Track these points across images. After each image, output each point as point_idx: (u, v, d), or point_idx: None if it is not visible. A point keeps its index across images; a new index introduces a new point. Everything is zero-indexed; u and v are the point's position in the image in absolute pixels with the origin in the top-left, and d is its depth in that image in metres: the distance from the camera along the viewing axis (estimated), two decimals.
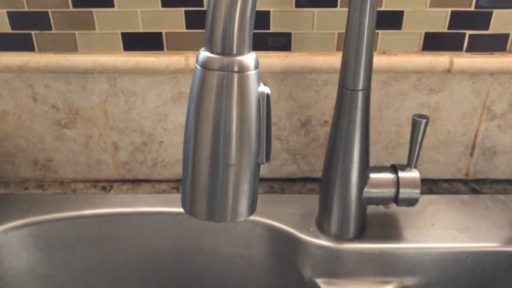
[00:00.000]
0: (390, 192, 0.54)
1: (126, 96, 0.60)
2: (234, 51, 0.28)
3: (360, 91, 0.48)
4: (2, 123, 0.62)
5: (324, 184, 0.55)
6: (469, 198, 0.62)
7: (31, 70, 0.58)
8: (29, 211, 0.60)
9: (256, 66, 0.29)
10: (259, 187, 0.62)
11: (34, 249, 0.60)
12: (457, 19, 0.55)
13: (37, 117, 0.61)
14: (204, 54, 0.28)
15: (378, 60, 0.56)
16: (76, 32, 0.57)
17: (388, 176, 0.54)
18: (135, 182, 0.65)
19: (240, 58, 0.28)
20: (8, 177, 0.66)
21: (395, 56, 0.57)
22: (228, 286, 0.63)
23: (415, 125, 0.52)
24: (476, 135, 0.62)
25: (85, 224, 0.61)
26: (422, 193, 0.63)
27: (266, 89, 0.30)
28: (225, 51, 0.28)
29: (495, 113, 0.60)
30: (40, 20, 0.56)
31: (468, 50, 0.57)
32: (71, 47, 0.57)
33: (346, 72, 0.48)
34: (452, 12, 0.55)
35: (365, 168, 0.53)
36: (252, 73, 0.29)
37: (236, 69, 0.28)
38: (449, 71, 0.57)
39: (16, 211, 0.60)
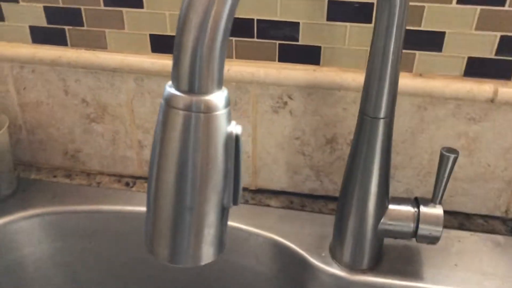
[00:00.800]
0: (408, 226, 0.50)
1: (152, 97, 0.59)
2: (202, 90, 0.26)
3: (381, 119, 0.45)
4: (36, 112, 0.63)
5: (340, 209, 0.52)
6: (505, 240, 0.57)
7: (63, 64, 0.59)
8: (53, 200, 0.62)
9: (227, 104, 0.27)
10: (276, 203, 0.60)
11: (54, 237, 0.62)
12: (507, 45, 0.50)
13: (67, 109, 0.62)
14: (169, 90, 0.27)
15: (414, 83, 0.52)
16: (106, 30, 0.57)
17: (408, 209, 0.50)
18: None
19: (208, 97, 0.26)
20: (41, 164, 0.68)
21: (433, 79, 0.52)
22: None
23: (442, 159, 0.48)
24: None
25: (104, 219, 0.62)
26: (451, 227, 0.59)
27: (236, 129, 0.28)
28: (192, 89, 0.26)
29: None
30: (73, 16, 0.57)
31: None
32: (101, 45, 0.58)
33: (368, 98, 0.45)
34: (502, 36, 0.50)
35: (384, 198, 0.50)
36: (220, 113, 0.27)
37: (202, 109, 0.26)
38: (492, 101, 0.51)
39: (41, 199, 0.62)
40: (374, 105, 0.44)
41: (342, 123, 0.57)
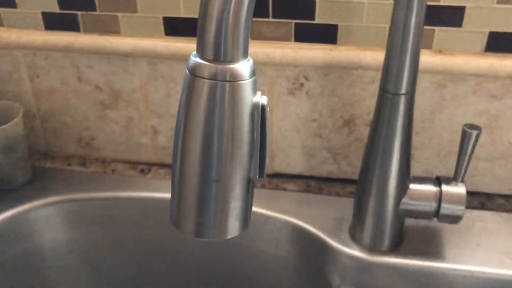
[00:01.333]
0: (430, 206, 0.49)
1: (166, 81, 0.59)
2: (227, 58, 0.25)
3: (402, 95, 0.44)
4: (49, 100, 0.63)
5: (359, 190, 0.51)
6: None
7: (76, 50, 0.58)
8: (68, 188, 0.62)
9: (252, 74, 0.27)
10: (294, 187, 0.60)
11: (72, 224, 0.62)
12: None
13: (81, 96, 0.62)
14: (194, 60, 0.26)
15: (433, 60, 0.51)
16: (119, 14, 0.56)
17: (430, 188, 0.49)
18: None
19: (233, 65, 0.26)
20: (55, 152, 0.68)
21: (453, 56, 0.51)
22: (256, 280, 0.62)
23: (465, 136, 0.47)
24: None
25: (120, 205, 0.61)
26: (473, 207, 0.58)
27: (262, 99, 0.27)
28: (217, 58, 0.25)
29: None
30: (85, 1, 0.56)
31: None
32: (114, 29, 0.57)
33: (388, 74, 0.44)
34: None
35: (404, 177, 0.49)
36: (246, 82, 0.26)
37: (228, 78, 0.25)
38: None
39: (57, 187, 0.62)
40: (395, 81, 0.43)
41: (360, 104, 0.56)
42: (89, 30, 0.58)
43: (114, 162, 0.66)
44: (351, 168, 0.60)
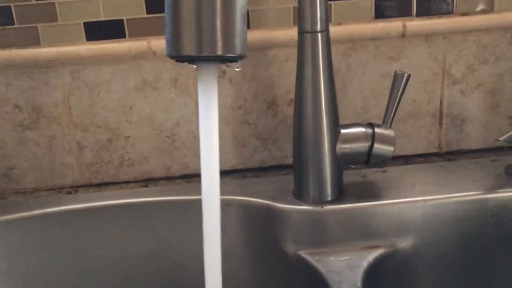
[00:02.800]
0: (364, 146, 0.53)
1: (90, 89, 0.59)
2: None
3: (319, 33, 0.49)
4: None
5: (296, 147, 0.53)
6: (446, 164, 0.61)
7: None
8: None
9: None
10: (230, 180, 0.60)
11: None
12: None
13: None
14: None
15: (335, 30, 0.58)
16: (39, 25, 0.58)
17: (361, 130, 0.53)
18: (102, 185, 0.62)
19: None
20: None
21: (350, 25, 0.59)
22: None
23: (396, 78, 0.52)
24: (441, 103, 0.62)
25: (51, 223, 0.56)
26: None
27: None
28: None
29: (456, 78, 0.62)
30: (2, 16, 0.57)
31: (418, 15, 0.60)
32: (34, 41, 0.58)
33: (304, 16, 0.49)
34: None
35: (335, 121, 0.52)
36: None
37: None
38: (403, 35, 0.59)
39: None
40: (311, 20, 0.49)
41: (279, 84, 0.60)
42: (7, 45, 0.58)
43: (37, 192, 0.62)
44: (282, 152, 0.63)
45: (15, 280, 0.55)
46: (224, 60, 0.34)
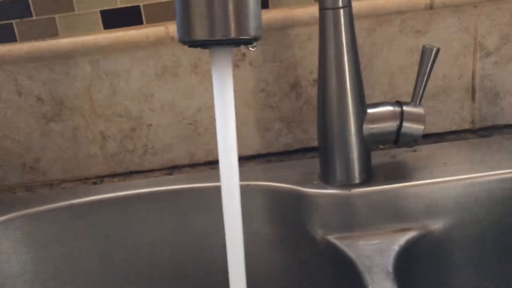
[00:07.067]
0: (392, 126, 0.51)
1: (110, 78, 0.59)
2: None
3: (341, 9, 0.47)
4: None
5: (320, 129, 0.52)
6: (479, 141, 0.58)
7: (13, 60, 0.57)
8: (16, 207, 0.56)
9: None
10: (255, 164, 0.59)
11: (25, 247, 0.55)
12: None
13: (22, 112, 0.60)
14: None
15: (359, 5, 0.56)
16: (56, 16, 0.57)
17: (389, 109, 0.51)
18: (127, 174, 0.62)
19: None
20: None
21: None
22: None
23: (425, 53, 0.50)
24: (473, 76, 0.59)
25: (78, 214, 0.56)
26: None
27: None
28: None
29: (489, 49, 0.58)
30: (19, 8, 0.57)
31: None
32: (52, 32, 0.58)
33: None
34: None
35: (362, 101, 0.50)
36: None
37: None
38: (431, 7, 0.56)
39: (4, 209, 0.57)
40: None
41: (301, 64, 0.58)
42: (26, 38, 0.58)
43: (63, 183, 0.62)
44: (307, 135, 0.61)
45: (43, 271, 0.56)
46: (238, 43, 0.33)
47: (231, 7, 0.30)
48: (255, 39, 0.33)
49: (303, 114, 0.60)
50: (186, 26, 0.31)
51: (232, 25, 0.31)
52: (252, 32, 0.32)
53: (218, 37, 0.31)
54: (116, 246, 0.57)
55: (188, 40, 0.32)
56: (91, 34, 0.57)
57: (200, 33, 0.31)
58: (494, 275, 0.53)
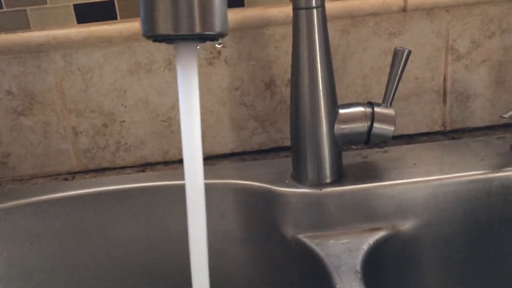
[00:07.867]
0: (363, 126, 0.51)
1: (83, 73, 0.58)
2: None
3: (314, 9, 0.47)
4: None
5: (293, 129, 0.52)
6: (450, 143, 0.59)
7: None
8: None
9: None
10: (228, 163, 0.59)
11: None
12: None
13: None
14: None
15: (333, 6, 0.56)
16: (28, 8, 0.56)
17: (360, 109, 0.51)
18: (99, 171, 0.62)
19: None
20: None
21: (349, 0, 0.57)
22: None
23: (396, 55, 0.50)
24: (445, 79, 0.60)
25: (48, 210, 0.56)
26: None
27: None
28: None
29: (460, 53, 0.59)
30: None
31: None
32: (23, 25, 0.57)
33: None
34: None
35: (333, 99, 0.51)
36: None
37: None
38: (404, 10, 0.57)
39: None
40: None
41: (276, 63, 0.59)
42: None
43: (33, 179, 0.61)
44: (281, 134, 0.61)
45: (14, 267, 0.55)
46: (202, 38, 0.32)
47: (196, 2, 0.30)
48: (221, 35, 0.32)
49: (277, 114, 0.60)
50: (150, 21, 0.31)
51: (197, 20, 0.31)
52: (217, 28, 0.31)
53: (182, 32, 0.31)
54: (87, 243, 0.56)
55: (152, 35, 0.31)
56: (64, 28, 0.56)
57: (164, 28, 0.30)
58: (462, 274, 0.54)
